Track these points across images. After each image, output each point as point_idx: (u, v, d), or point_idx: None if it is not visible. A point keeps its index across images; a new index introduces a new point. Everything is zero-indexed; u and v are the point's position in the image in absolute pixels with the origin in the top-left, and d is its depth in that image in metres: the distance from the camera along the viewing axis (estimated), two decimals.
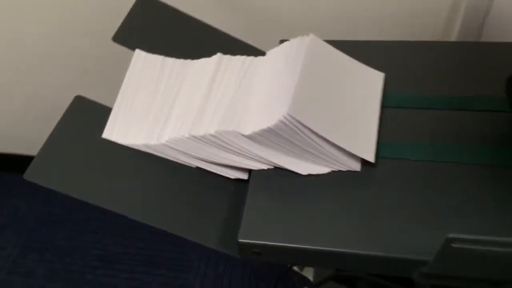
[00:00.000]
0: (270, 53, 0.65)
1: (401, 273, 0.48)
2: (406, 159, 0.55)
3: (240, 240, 0.50)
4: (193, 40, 0.71)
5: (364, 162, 0.55)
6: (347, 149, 0.54)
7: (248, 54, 0.66)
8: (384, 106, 0.62)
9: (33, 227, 1.31)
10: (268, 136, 0.54)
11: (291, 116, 0.51)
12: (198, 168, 0.58)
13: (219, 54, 0.66)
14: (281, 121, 0.52)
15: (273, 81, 0.59)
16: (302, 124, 0.52)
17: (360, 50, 0.67)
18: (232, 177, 0.58)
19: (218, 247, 0.53)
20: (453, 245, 0.41)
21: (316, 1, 0.89)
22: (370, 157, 0.54)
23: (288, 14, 0.92)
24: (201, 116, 0.58)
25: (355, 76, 0.62)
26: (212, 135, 0.55)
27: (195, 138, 0.56)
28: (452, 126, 0.58)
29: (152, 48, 0.68)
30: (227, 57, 0.66)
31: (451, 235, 0.41)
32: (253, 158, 0.56)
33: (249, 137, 0.54)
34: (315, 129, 0.52)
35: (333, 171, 0.55)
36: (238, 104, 0.59)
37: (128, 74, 0.64)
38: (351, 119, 0.57)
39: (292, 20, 0.92)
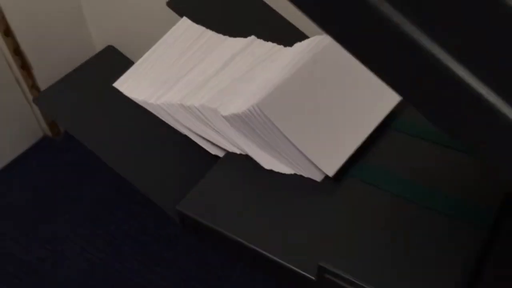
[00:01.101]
0: (295, 46, 0.65)
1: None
2: (375, 185, 0.52)
3: (177, 208, 0.53)
4: (246, 19, 0.73)
5: (329, 177, 0.53)
6: (309, 156, 0.52)
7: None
8: (393, 128, 0.58)
9: None
10: (238, 122, 0.55)
11: (259, 109, 0.52)
12: (185, 136, 0.62)
13: (252, 37, 0.68)
14: (250, 111, 0.53)
15: (275, 72, 0.60)
16: (268, 119, 0.52)
17: None
18: (212, 152, 0.61)
19: (171, 213, 0.56)
20: (327, 276, 0.39)
21: None
22: (330, 171, 0.52)
23: None
24: (200, 89, 0.61)
25: (367, 89, 0.59)
26: (196, 108, 0.58)
27: (183, 106, 0.59)
28: (442, 168, 0.52)
29: (201, 21, 0.72)
30: (259, 41, 0.68)
31: (322, 264, 0.39)
32: (227, 140, 0.58)
33: (225, 118, 0.56)
34: (281, 128, 0.52)
35: (296, 174, 0.55)
36: (237, 86, 0.60)
37: (164, 37, 0.69)
38: (334, 130, 0.55)
39: None
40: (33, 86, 1.56)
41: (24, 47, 1.45)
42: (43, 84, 1.54)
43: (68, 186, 1.47)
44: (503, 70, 0.26)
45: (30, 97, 1.56)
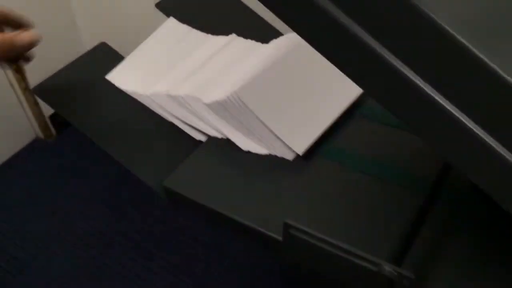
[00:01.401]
0: (272, 42, 0.72)
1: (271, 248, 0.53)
2: (339, 162, 0.59)
3: (164, 184, 0.60)
4: (228, 20, 0.80)
5: (300, 156, 0.60)
6: (281, 137, 0.59)
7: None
8: (355, 114, 0.65)
9: None
10: (219, 109, 0.61)
11: (237, 96, 0.59)
12: (171, 123, 0.68)
13: (233, 35, 0.75)
14: (229, 98, 0.59)
15: (253, 65, 0.66)
16: (245, 105, 0.59)
17: None
18: (196, 137, 0.67)
19: (156, 189, 0.62)
20: (291, 231, 0.46)
21: None
22: (299, 150, 0.59)
23: None
24: (185, 81, 0.68)
25: (334, 80, 0.65)
26: (181, 97, 0.65)
27: (170, 96, 0.66)
28: (395, 146, 0.59)
29: (186, 21, 0.78)
30: (239, 39, 0.75)
31: (288, 222, 0.45)
32: (209, 125, 0.64)
33: (208, 106, 0.63)
34: (256, 113, 0.59)
35: (270, 154, 0.61)
36: (218, 78, 0.67)
37: (153, 35, 0.76)
38: (304, 115, 0.62)
39: None
40: (26, 89, 1.61)
41: None
42: None
43: (60, 186, 1.52)
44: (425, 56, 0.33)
45: (24, 100, 1.62)
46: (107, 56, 0.72)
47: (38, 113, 1.66)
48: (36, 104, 1.64)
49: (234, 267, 1.25)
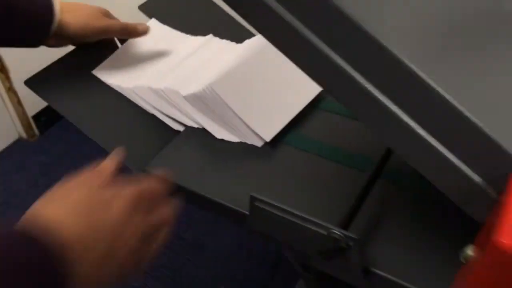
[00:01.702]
0: (245, 42, 0.79)
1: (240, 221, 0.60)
2: (302, 149, 0.66)
3: (146, 168, 0.66)
4: (205, 22, 0.87)
5: (268, 143, 0.67)
6: (250, 126, 0.66)
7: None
8: (318, 107, 0.72)
9: None
10: (196, 100, 0.68)
11: (212, 88, 0.65)
12: (152, 115, 0.75)
13: (210, 35, 0.82)
14: (204, 90, 0.66)
15: (227, 62, 0.73)
16: (219, 96, 0.66)
17: None
18: (174, 128, 0.74)
19: (135, 170, 0.68)
20: (256, 203, 0.52)
21: None
22: (267, 138, 0.66)
23: None
24: (165, 76, 0.74)
25: (299, 76, 0.72)
26: (162, 90, 0.71)
27: (151, 89, 0.72)
28: (349, 133, 0.67)
29: (167, 22, 0.85)
30: (216, 39, 0.82)
31: (253, 194, 0.52)
32: (187, 116, 0.71)
33: (185, 98, 0.69)
34: (228, 103, 0.66)
35: (241, 142, 0.68)
36: (195, 73, 0.74)
37: None
38: (272, 106, 0.69)
39: None
40: (10, 89, 1.65)
41: (2, 51, 1.52)
42: (20, 87, 1.63)
43: (42, 186, 1.56)
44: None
45: (7, 99, 1.65)
46: (93, 53, 0.78)
47: (22, 113, 1.70)
48: (20, 103, 1.67)
49: (214, 265, 1.31)
